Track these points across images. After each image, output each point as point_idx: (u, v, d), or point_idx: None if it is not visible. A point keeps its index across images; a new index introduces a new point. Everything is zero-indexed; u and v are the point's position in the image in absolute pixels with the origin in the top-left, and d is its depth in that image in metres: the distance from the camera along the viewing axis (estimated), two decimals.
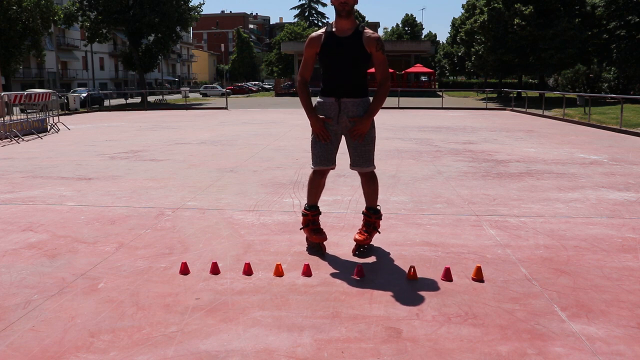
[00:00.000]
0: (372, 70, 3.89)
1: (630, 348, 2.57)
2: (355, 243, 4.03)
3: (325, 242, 4.10)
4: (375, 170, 3.96)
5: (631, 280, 3.45)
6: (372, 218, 3.98)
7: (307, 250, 4.09)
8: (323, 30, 3.81)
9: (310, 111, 3.79)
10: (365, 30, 3.72)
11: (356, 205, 5.51)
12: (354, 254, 3.97)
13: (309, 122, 3.86)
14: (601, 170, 7.75)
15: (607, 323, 2.84)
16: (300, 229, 4.11)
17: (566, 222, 4.89)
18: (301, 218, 4.07)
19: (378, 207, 4.02)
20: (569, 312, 2.98)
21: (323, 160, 3.85)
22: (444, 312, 2.99)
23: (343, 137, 3.93)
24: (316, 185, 3.99)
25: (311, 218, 4.00)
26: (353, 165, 3.89)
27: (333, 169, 3.95)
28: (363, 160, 3.84)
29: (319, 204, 4.09)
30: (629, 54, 30.23)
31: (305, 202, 4.09)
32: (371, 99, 3.82)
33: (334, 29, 3.75)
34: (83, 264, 3.79)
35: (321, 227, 4.06)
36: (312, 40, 3.79)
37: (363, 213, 4.06)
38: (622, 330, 2.76)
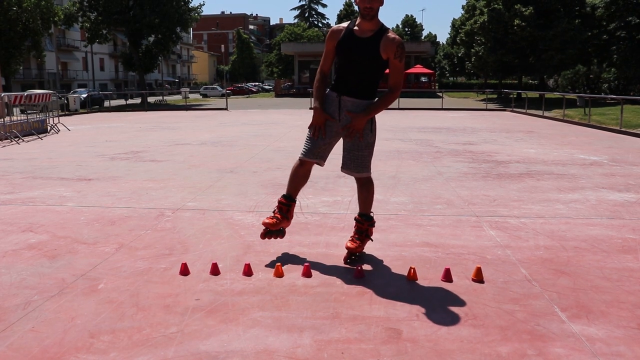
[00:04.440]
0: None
1: (631, 349, 2.57)
2: (347, 251, 3.86)
3: (325, 243, 4.05)
4: (375, 172, 3.83)
5: (631, 281, 3.45)
6: (364, 225, 3.82)
7: (261, 234, 3.89)
8: (346, 24, 3.64)
9: (318, 100, 3.63)
10: (388, 34, 3.49)
11: (356, 206, 5.49)
12: (346, 262, 3.82)
13: (313, 112, 3.66)
14: (601, 171, 7.76)
15: (607, 324, 2.84)
16: (273, 211, 3.91)
17: (566, 223, 4.89)
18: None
19: (372, 214, 3.88)
20: (569, 313, 2.98)
21: (313, 154, 3.69)
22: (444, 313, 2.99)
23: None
24: (297, 174, 3.80)
25: (284, 208, 3.83)
26: (344, 168, 3.73)
27: (320, 165, 3.79)
28: (355, 165, 3.66)
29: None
30: (629, 55, 30.25)
31: (286, 194, 3.83)
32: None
33: (355, 27, 3.56)
34: (83, 265, 3.79)
35: (289, 216, 3.87)
36: (333, 33, 3.62)
37: (355, 220, 3.89)
38: (622, 331, 2.76)
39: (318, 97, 3.65)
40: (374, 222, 3.91)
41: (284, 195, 3.88)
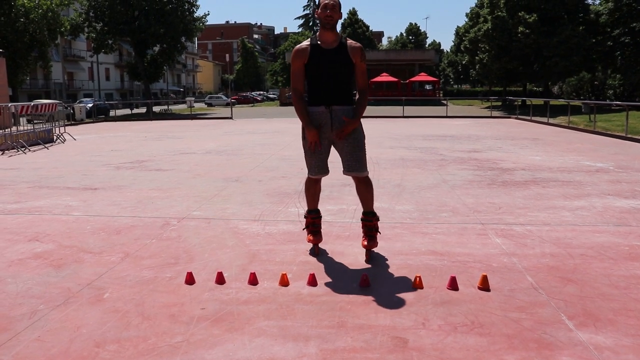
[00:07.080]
0: None
1: (639, 357, 2.55)
2: (365, 250, 4.09)
3: (330, 252, 4.13)
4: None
5: (639, 289, 3.42)
6: (374, 221, 4.07)
7: (309, 251, 4.22)
8: (308, 42, 3.90)
9: (308, 120, 3.88)
10: (349, 42, 3.88)
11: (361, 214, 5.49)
12: (368, 262, 4.00)
13: (305, 132, 3.92)
14: (607, 178, 7.72)
15: (615, 332, 2.82)
16: (303, 229, 4.37)
17: (572, 230, 4.87)
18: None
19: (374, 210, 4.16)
20: (576, 321, 2.96)
21: (321, 169, 4.02)
22: (450, 321, 2.98)
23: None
24: (313, 192, 4.19)
25: (311, 221, 4.20)
26: (349, 171, 3.96)
27: (326, 175, 4.10)
28: (360, 165, 3.92)
29: (321, 209, 4.27)
30: (634, 61, 30.23)
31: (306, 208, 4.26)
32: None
33: (319, 42, 3.86)
34: (89, 274, 3.80)
35: (321, 229, 4.26)
36: (299, 52, 3.87)
37: (363, 220, 4.10)
38: (630, 340, 2.73)
39: (305, 114, 3.90)
40: (378, 216, 4.16)
41: (309, 211, 4.22)
